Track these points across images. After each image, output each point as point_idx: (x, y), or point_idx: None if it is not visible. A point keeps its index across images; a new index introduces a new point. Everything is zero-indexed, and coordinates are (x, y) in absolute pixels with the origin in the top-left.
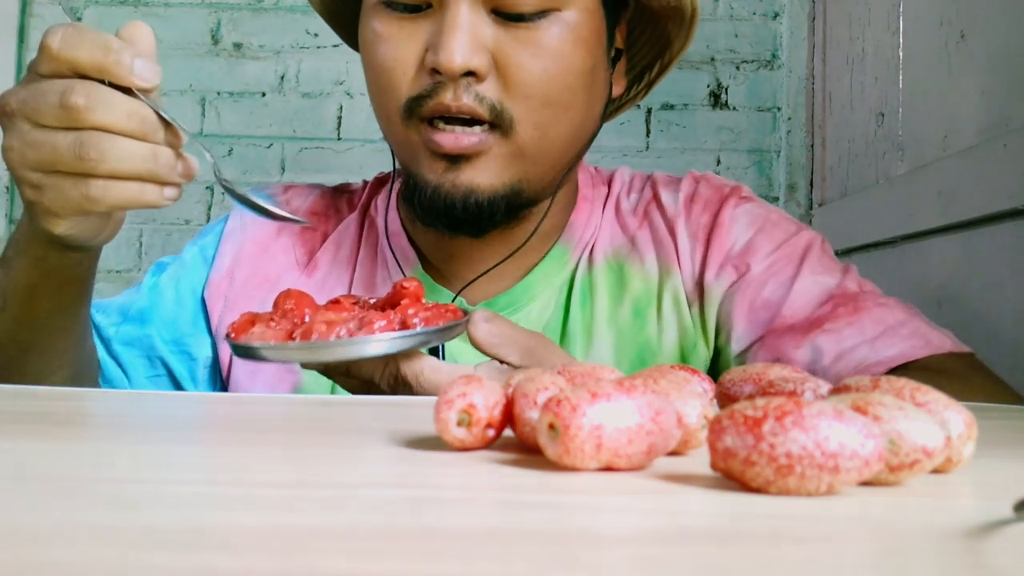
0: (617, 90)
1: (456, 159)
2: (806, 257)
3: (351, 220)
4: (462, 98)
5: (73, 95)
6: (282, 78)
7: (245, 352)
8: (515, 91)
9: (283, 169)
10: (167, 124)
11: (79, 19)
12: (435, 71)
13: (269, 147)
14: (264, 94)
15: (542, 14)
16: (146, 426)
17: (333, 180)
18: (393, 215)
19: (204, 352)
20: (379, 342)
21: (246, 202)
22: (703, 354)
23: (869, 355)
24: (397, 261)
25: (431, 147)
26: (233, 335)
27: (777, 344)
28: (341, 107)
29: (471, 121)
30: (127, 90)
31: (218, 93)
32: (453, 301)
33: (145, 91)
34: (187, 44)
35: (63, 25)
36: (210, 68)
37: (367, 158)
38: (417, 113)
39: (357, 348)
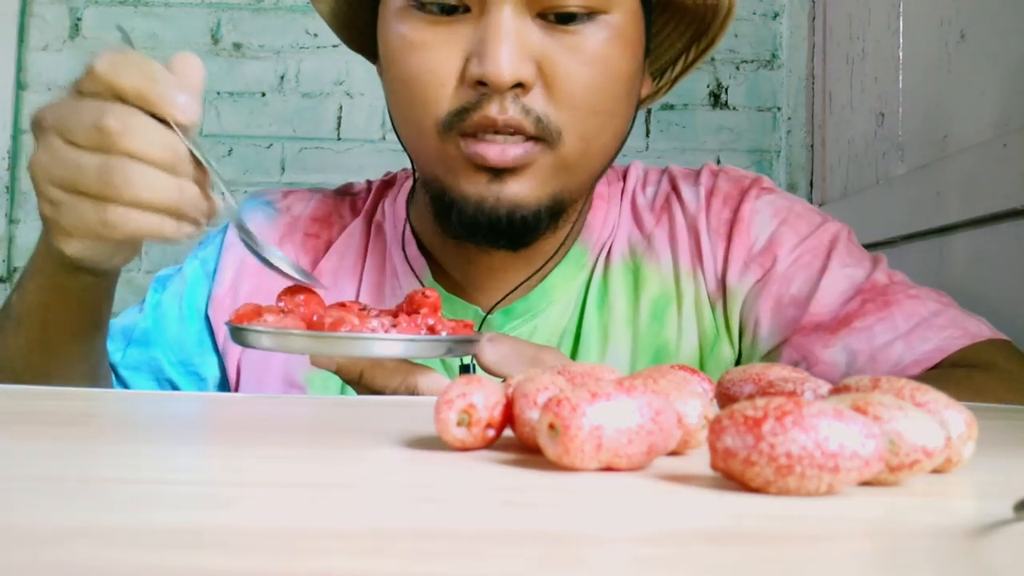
0: (645, 90)
1: (499, 172)
2: (833, 249)
3: (355, 227)
4: (508, 111)
5: (108, 117)
6: (282, 78)
7: (247, 338)
8: (562, 102)
9: (283, 169)
10: (198, 163)
11: (79, 19)
12: (480, 83)
13: (269, 147)
14: (264, 94)
15: (589, 16)
16: (146, 426)
17: (333, 180)
18: (403, 222)
19: (212, 372)
20: (405, 342)
21: (263, 259)
22: (727, 355)
23: (905, 354)
24: (408, 270)
25: (474, 160)
26: (235, 321)
27: (804, 343)
28: (341, 107)
29: (513, 132)
30: (164, 123)
31: (218, 93)
32: (478, 318)
33: (183, 127)
34: (187, 44)
35: (115, 49)
36: (210, 68)
37: (367, 158)
38: (458, 127)
39: (377, 345)
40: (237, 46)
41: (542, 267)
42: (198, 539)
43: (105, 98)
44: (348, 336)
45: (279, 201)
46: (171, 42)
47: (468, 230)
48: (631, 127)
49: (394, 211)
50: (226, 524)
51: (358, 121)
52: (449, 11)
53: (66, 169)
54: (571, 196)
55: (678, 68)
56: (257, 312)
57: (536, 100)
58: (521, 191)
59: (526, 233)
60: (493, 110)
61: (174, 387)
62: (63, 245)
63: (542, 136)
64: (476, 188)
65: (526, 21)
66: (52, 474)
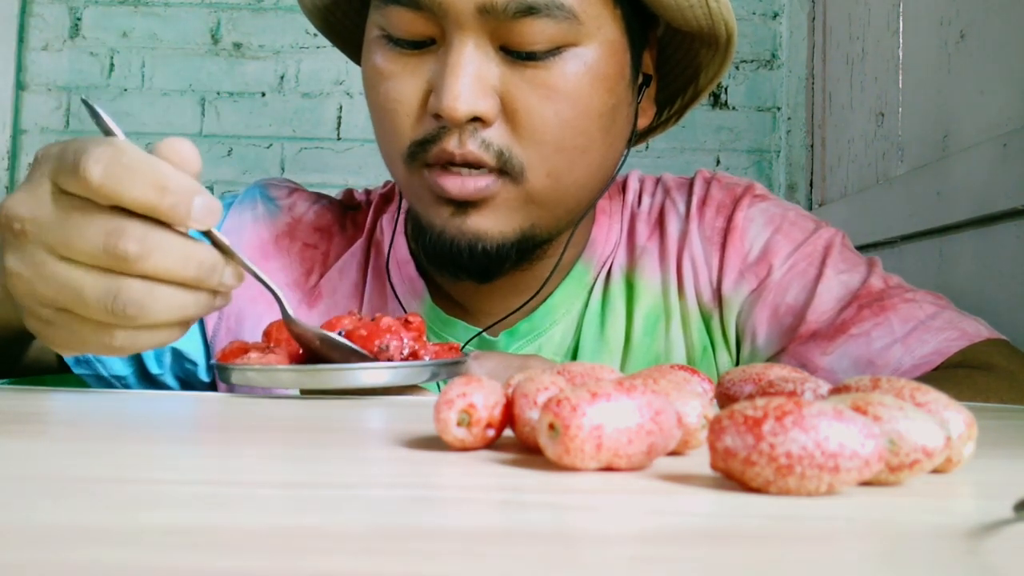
0: (644, 121)
1: (463, 204)
2: (828, 256)
3: (358, 247)
4: (467, 145)
5: (124, 241)
6: (282, 78)
7: (233, 375)
8: (525, 136)
9: (283, 169)
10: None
11: (79, 19)
12: (439, 115)
13: (269, 147)
14: (264, 94)
15: (556, 51)
16: (146, 426)
17: (333, 180)
18: (400, 241)
19: (186, 348)
20: (391, 371)
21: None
22: (725, 365)
23: (904, 357)
24: (408, 292)
25: (436, 191)
26: (221, 360)
27: (802, 351)
28: (341, 107)
29: (475, 165)
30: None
31: (218, 93)
32: (472, 338)
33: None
34: (187, 44)
35: (100, 145)
36: (210, 68)
37: (367, 158)
38: (420, 158)
39: (363, 375)
40: (237, 46)
41: (544, 286)
42: (198, 539)
43: (103, 208)
44: (334, 368)
45: (283, 198)
46: (171, 42)
47: (431, 260)
48: (622, 161)
49: (391, 229)
50: (226, 524)
51: (358, 121)
52: (415, 45)
53: (61, 291)
54: (545, 231)
55: (688, 95)
56: (243, 350)
57: (497, 134)
58: (484, 224)
59: (489, 267)
60: (451, 144)
61: (140, 360)
62: (56, 350)
63: (504, 170)
64: (440, 219)
65: (488, 55)
66: (51, 474)
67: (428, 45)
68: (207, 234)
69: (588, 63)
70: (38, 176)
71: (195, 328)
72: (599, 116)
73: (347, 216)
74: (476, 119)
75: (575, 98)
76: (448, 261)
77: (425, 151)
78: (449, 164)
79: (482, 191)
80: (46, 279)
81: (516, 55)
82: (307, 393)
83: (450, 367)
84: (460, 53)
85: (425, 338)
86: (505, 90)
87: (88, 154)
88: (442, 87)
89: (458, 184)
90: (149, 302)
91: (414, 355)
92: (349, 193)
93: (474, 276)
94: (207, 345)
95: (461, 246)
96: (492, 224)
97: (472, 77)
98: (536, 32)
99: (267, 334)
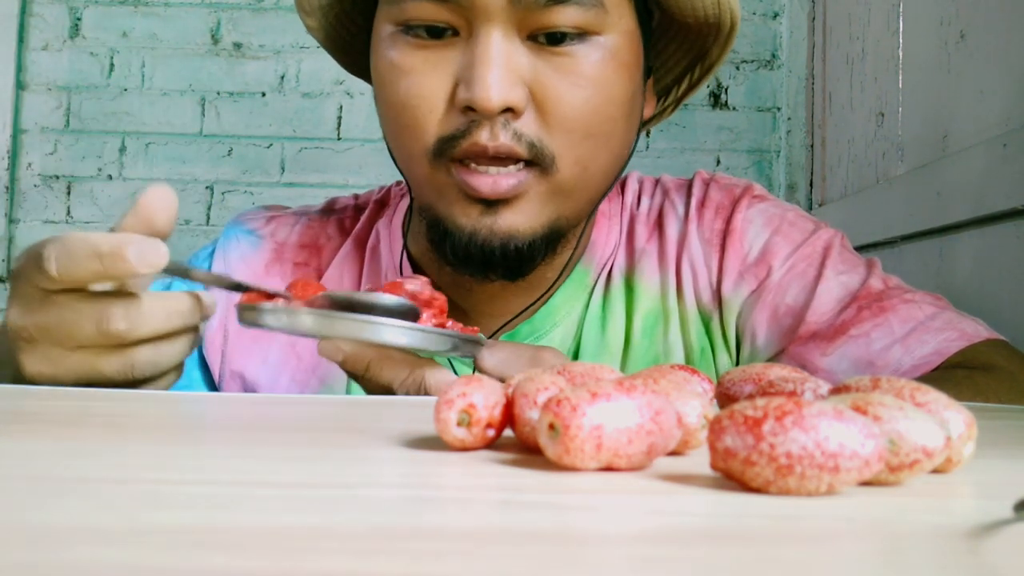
0: (648, 111)
1: (493, 202)
2: (827, 257)
3: (347, 252)
4: (499, 137)
5: (113, 323)
6: (282, 78)
7: (255, 317)
8: (555, 125)
9: (283, 169)
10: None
11: (79, 19)
12: (469, 108)
13: (269, 147)
14: (264, 94)
15: (581, 38)
16: (146, 426)
17: (333, 180)
18: (397, 247)
19: None
20: (413, 332)
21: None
22: (725, 367)
23: (903, 358)
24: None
25: (466, 190)
26: (245, 300)
27: (801, 353)
28: (341, 107)
29: (506, 159)
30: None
31: (218, 93)
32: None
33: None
34: (187, 44)
35: (50, 243)
36: (210, 68)
37: (367, 158)
38: (448, 154)
39: (385, 331)
40: (237, 46)
41: (545, 289)
42: (198, 539)
43: (83, 295)
44: (356, 318)
45: (262, 228)
46: (171, 42)
47: (461, 262)
48: (633, 149)
49: (390, 234)
50: (226, 524)
51: (358, 121)
52: (437, 34)
53: (84, 375)
54: (569, 222)
55: (683, 87)
56: (267, 296)
57: (528, 124)
58: (516, 221)
59: (521, 264)
60: (483, 136)
61: None
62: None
63: (536, 161)
64: (469, 220)
65: (515, 44)
66: (52, 474)
67: (449, 35)
68: (187, 275)
69: (612, 51)
70: (23, 286)
71: (202, 383)
72: (622, 103)
73: (331, 222)
74: (507, 110)
75: (601, 85)
76: (479, 262)
77: (454, 146)
78: (480, 159)
79: (515, 188)
80: (67, 369)
81: (544, 41)
82: (323, 354)
83: (469, 343)
84: (489, 44)
85: (447, 316)
86: (534, 79)
87: (44, 255)
88: (473, 78)
89: (490, 184)
90: (157, 359)
91: (440, 325)
92: (331, 201)
93: (506, 275)
94: (215, 386)
95: (494, 246)
96: (523, 220)
97: (503, 68)
98: (564, 19)
99: (291, 287)
